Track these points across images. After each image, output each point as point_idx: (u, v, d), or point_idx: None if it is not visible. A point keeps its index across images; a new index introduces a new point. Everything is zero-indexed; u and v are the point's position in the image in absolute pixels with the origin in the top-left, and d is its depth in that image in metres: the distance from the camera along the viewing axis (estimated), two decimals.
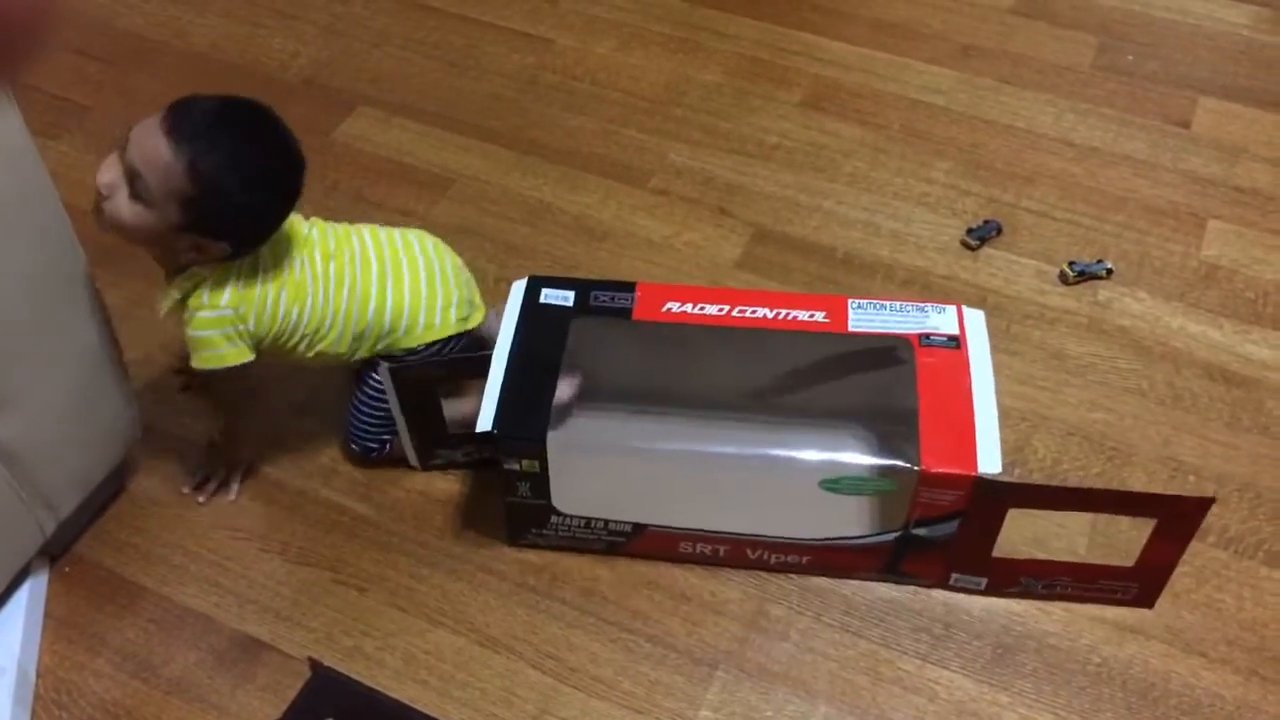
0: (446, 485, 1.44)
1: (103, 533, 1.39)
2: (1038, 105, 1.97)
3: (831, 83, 2.01)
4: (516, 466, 1.25)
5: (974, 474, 1.20)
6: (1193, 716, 1.24)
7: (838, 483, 1.38)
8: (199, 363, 1.29)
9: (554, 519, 1.31)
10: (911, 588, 1.33)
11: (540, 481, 1.26)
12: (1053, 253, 1.72)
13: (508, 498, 1.30)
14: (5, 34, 0.62)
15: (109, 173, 1.18)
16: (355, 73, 2.04)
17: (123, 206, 1.17)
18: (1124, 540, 1.33)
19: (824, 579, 1.34)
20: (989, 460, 1.20)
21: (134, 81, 2.00)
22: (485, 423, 1.22)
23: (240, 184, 1.18)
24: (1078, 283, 1.67)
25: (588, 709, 1.24)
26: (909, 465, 1.21)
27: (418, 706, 1.21)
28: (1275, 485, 1.43)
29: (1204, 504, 1.21)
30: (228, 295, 1.24)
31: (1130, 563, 1.28)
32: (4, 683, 1.22)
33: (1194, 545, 1.36)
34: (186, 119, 1.16)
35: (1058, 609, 1.32)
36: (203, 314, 1.25)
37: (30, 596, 1.30)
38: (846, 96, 1.99)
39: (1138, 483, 1.38)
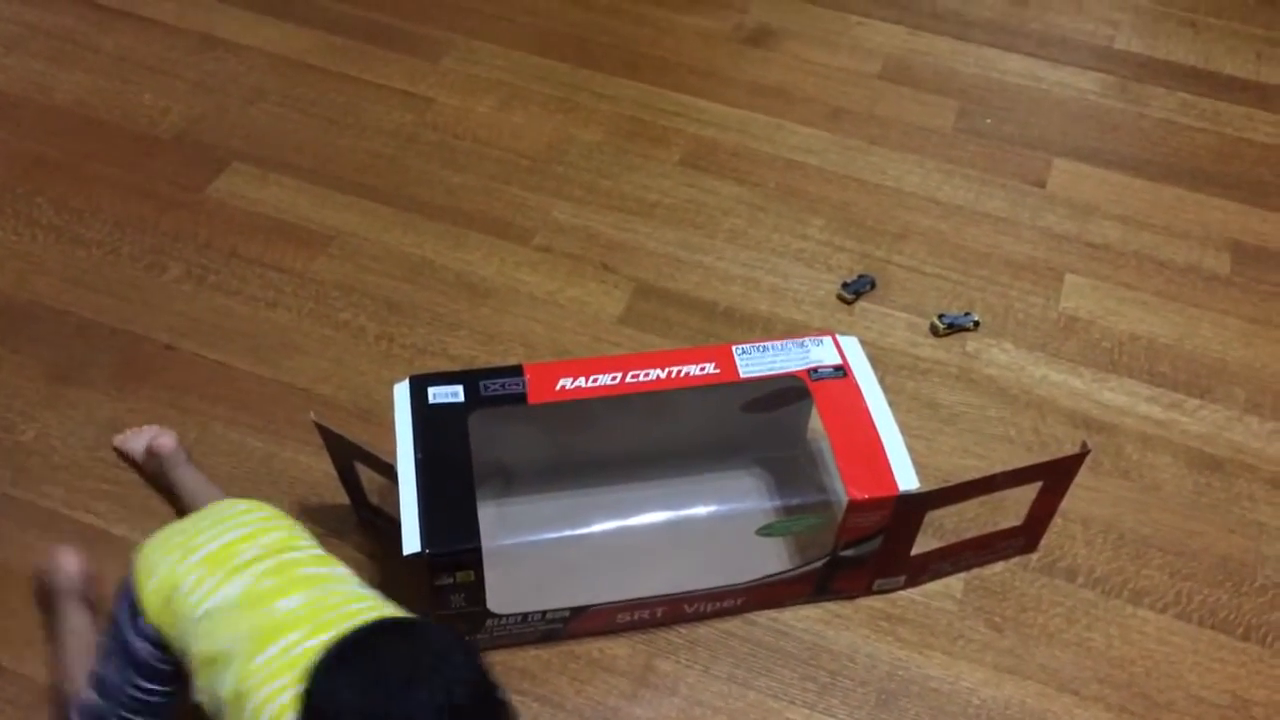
0: None
1: None
2: (905, 165, 2.05)
3: (709, 142, 2.06)
4: (451, 580, 1.19)
5: (896, 494, 1.24)
6: None
7: (770, 528, 1.41)
8: None
9: (489, 622, 1.26)
10: (797, 635, 1.35)
11: (475, 590, 1.21)
12: (923, 306, 1.78)
13: (438, 612, 1.23)
14: None
15: None
16: (229, 129, 2.00)
17: None
18: (1006, 500, 1.43)
19: (710, 629, 1.34)
20: (906, 477, 1.25)
21: None
22: (412, 544, 1.16)
23: None
24: (948, 334, 1.74)
25: None
26: (836, 498, 1.23)
27: None
28: (1136, 526, 1.50)
29: (1080, 458, 1.33)
30: None
31: (1018, 521, 1.41)
32: None
33: (1064, 586, 1.42)
34: None
35: (938, 654, 1.35)
36: None
37: None
38: (724, 156, 2.04)
39: (1008, 524, 1.43)
